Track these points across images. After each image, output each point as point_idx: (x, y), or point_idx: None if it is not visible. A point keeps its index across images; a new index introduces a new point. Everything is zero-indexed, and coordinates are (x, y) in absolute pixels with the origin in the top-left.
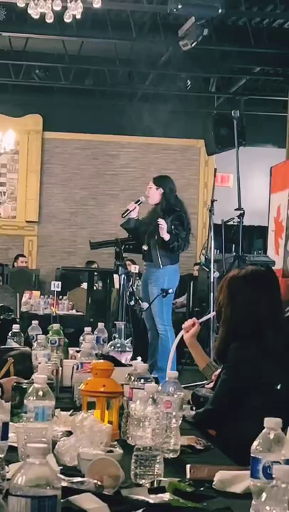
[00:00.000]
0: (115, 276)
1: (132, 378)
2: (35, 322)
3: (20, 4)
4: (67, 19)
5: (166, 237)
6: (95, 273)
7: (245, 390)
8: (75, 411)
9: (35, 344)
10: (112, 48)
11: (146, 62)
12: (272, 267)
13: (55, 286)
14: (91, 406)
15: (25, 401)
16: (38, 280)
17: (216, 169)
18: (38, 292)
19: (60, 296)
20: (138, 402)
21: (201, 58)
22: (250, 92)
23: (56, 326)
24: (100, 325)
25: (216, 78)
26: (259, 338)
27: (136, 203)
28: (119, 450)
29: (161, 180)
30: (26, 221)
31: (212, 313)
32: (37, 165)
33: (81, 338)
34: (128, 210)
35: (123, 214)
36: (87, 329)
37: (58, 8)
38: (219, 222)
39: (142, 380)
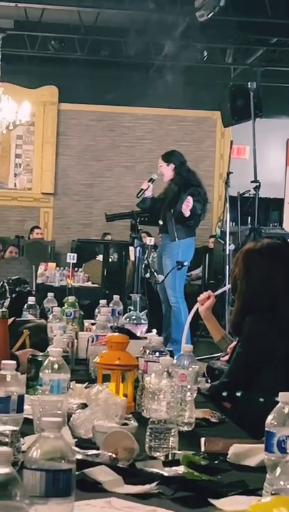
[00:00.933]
0: (131, 248)
1: (147, 351)
2: (50, 294)
3: None
4: None
5: (187, 213)
6: (111, 245)
7: (260, 363)
8: (90, 383)
9: (50, 316)
10: (127, 19)
11: (163, 33)
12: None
13: (71, 258)
14: (106, 379)
15: (40, 374)
16: (53, 252)
17: (232, 141)
18: (54, 264)
19: (76, 268)
20: (153, 375)
21: (217, 29)
22: (266, 63)
23: (72, 299)
24: (116, 297)
25: (233, 49)
26: (274, 311)
27: (149, 181)
28: (134, 423)
29: (170, 156)
30: (42, 193)
31: (227, 286)
32: (53, 136)
33: (96, 310)
34: (142, 189)
35: (138, 194)
36: (103, 302)
37: None
38: (235, 195)
39: (157, 353)
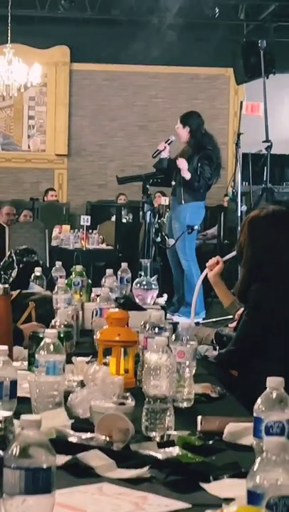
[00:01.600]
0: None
1: (147, 327)
2: (58, 263)
3: None
4: None
5: (188, 175)
6: (123, 208)
7: (266, 331)
8: (94, 356)
9: (56, 288)
10: None
11: None
12: None
13: (85, 220)
14: (107, 353)
15: (36, 355)
16: (68, 214)
17: (241, 102)
18: (68, 226)
19: (90, 231)
20: (150, 352)
21: None
22: (279, 19)
23: (79, 268)
24: (124, 265)
25: (245, 5)
26: (281, 279)
27: (166, 142)
28: (131, 402)
29: (187, 118)
30: (56, 154)
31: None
32: (65, 97)
33: (103, 280)
34: (158, 150)
35: (154, 154)
36: (109, 271)
37: None
38: (250, 152)
39: (157, 329)
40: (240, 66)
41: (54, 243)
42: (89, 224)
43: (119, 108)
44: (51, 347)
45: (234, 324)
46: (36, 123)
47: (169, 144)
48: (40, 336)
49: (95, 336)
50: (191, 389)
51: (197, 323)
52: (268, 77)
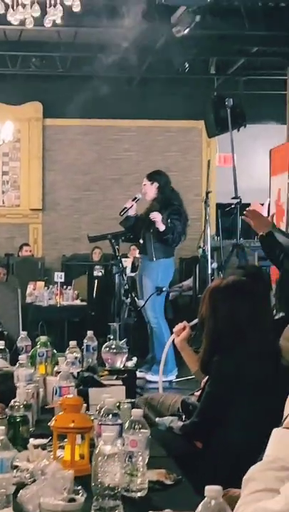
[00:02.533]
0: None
1: (102, 413)
2: (23, 333)
3: (0, 11)
4: (47, 24)
5: (162, 227)
6: (95, 266)
7: (229, 402)
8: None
9: (17, 364)
10: (106, 36)
11: (142, 48)
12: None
13: (59, 277)
14: (63, 437)
15: None
16: (43, 268)
17: (209, 161)
18: (42, 283)
19: (65, 286)
20: (102, 441)
21: (197, 41)
22: (248, 72)
23: (44, 338)
24: (89, 333)
25: (215, 60)
26: (242, 349)
27: (133, 200)
28: (81, 498)
29: (155, 175)
30: (30, 209)
31: None
32: (39, 152)
33: (67, 351)
34: (126, 208)
35: (121, 212)
36: (72, 343)
37: (36, 14)
38: (223, 202)
39: (110, 416)
40: (211, 120)
41: (28, 300)
42: (63, 280)
43: (93, 162)
44: None
45: (199, 393)
46: (10, 178)
47: (136, 202)
48: None
49: (49, 424)
50: (144, 478)
51: (170, 382)
52: (238, 131)
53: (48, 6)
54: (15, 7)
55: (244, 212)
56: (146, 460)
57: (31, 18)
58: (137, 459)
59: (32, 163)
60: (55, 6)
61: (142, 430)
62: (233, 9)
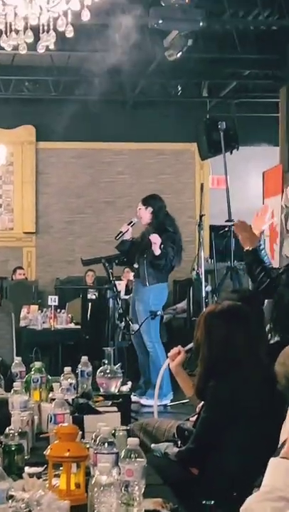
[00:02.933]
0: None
1: (97, 441)
2: (18, 359)
3: None
4: (40, 50)
5: (157, 251)
6: (89, 290)
7: (225, 427)
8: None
9: (12, 390)
10: (99, 59)
11: (135, 72)
12: None
13: (52, 300)
14: (58, 465)
15: None
16: (37, 291)
17: (202, 184)
18: (36, 307)
19: (59, 310)
20: (98, 471)
21: (189, 65)
22: (240, 95)
23: (38, 364)
24: (84, 358)
25: (207, 83)
26: (237, 374)
27: (129, 224)
28: None
29: (149, 200)
30: (24, 232)
31: None
32: (32, 175)
33: (62, 377)
34: (121, 232)
35: (116, 236)
36: (67, 369)
37: (30, 40)
38: (217, 224)
39: (106, 445)
40: (204, 142)
41: (22, 323)
42: (57, 304)
43: (86, 185)
44: None
45: (194, 418)
46: (3, 201)
47: (131, 226)
48: None
49: (44, 452)
50: (140, 507)
51: (165, 406)
52: (231, 153)
53: (41, 31)
54: (8, 33)
55: (234, 223)
56: (143, 489)
57: (24, 43)
58: (133, 488)
59: (25, 187)
60: (48, 32)
61: (138, 459)
62: (225, 33)
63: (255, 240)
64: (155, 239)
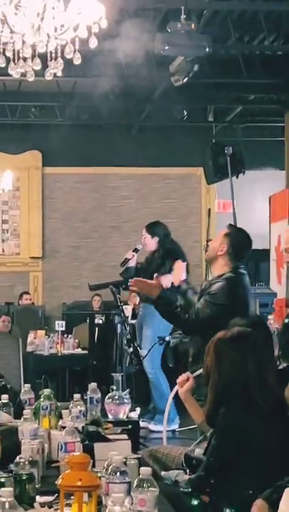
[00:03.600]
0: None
1: (109, 470)
2: (27, 386)
3: (1, 64)
4: (48, 77)
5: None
6: (96, 315)
7: (236, 454)
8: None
9: (22, 418)
10: (105, 85)
11: (141, 97)
12: (275, 298)
13: (59, 326)
14: (69, 494)
15: None
16: (44, 316)
17: (209, 209)
18: (43, 332)
19: (66, 335)
20: (111, 502)
21: (195, 90)
22: (246, 119)
23: (47, 391)
24: (93, 385)
25: (213, 107)
26: (247, 400)
27: (133, 251)
28: None
29: (154, 228)
30: (30, 257)
31: None
32: (38, 200)
33: (70, 404)
34: (126, 259)
35: (121, 263)
36: (76, 396)
37: (37, 67)
38: None
39: (118, 474)
40: (210, 167)
41: (29, 349)
42: (64, 329)
43: (92, 209)
44: (6, 505)
45: (205, 444)
46: (10, 226)
47: (136, 253)
48: (1, 480)
49: (55, 482)
50: None
51: (173, 431)
52: (237, 177)
53: (48, 59)
54: (16, 60)
55: (129, 284)
56: None
57: (32, 71)
58: None
59: (31, 212)
60: (55, 59)
61: (150, 489)
62: (230, 58)
63: (156, 288)
64: (166, 281)
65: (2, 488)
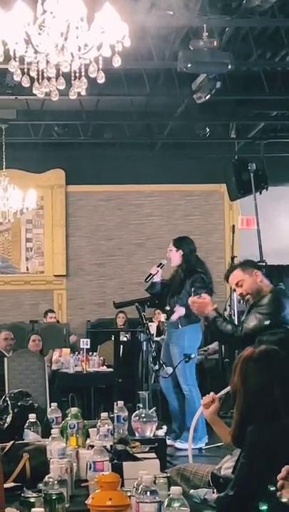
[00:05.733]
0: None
1: (139, 490)
2: (54, 405)
3: (25, 84)
4: (72, 96)
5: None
6: (120, 333)
7: (264, 472)
8: None
9: (50, 438)
10: (128, 103)
11: (164, 114)
12: None
13: (84, 343)
14: None
15: None
16: (68, 334)
17: (234, 226)
18: (68, 350)
19: (90, 352)
20: None
21: (217, 107)
22: (268, 135)
23: (74, 410)
24: (120, 403)
25: (235, 124)
26: (274, 418)
27: (158, 266)
28: None
29: (180, 242)
30: (54, 275)
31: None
32: (62, 219)
33: (98, 423)
34: (151, 274)
35: (146, 279)
36: (104, 415)
37: (62, 87)
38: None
39: (149, 493)
40: (233, 183)
41: (54, 367)
42: (88, 347)
43: (116, 227)
44: None
45: (233, 462)
46: (34, 245)
47: (161, 268)
48: (31, 500)
49: (86, 502)
50: None
51: (200, 449)
52: (260, 193)
53: (72, 78)
54: (40, 80)
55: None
56: None
57: (56, 90)
58: None
59: (55, 230)
60: (79, 78)
61: (181, 508)
62: (252, 74)
63: (209, 305)
64: (179, 311)
65: (33, 509)
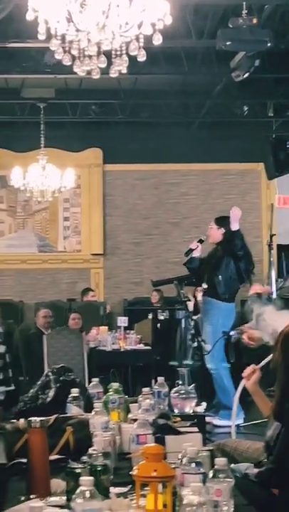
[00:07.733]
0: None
1: (184, 461)
2: (95, 380)
3: (66, 63)
4: (113, 74)
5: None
6: (158, 311)
7: None
8: (133, 486)
9: (93, 411)
10: (165, 82)
11: (201, 93)
12: None
13: (122, 321)
14: (144, 485)
15: (72, 504)
16: (105, 313)
17: (272, 204)
18: (106, 328)
19: (128, 331)
20: (187, 491)
21: (255, 85)
22: None
23: (115, 385)
24: (160, 379)
25: (273, 102)
26: None
27: (198, 241)
28: None
29: (222, 221)
30: (91, 254)
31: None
32: (99, 198)
33: (140, 397)
34: (191, 249)
35: (186, 253)
36: (145, 390)
37: (103, 65)
38: (283, 243)
39: (193, 464)
40: (271, 162)
41: (92, 345)
42: (126, 325)
43: (153, 206)
44: (87, 494)
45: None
46: (71, 224)
47: (200, 243)
48: (77, 471)
49: (131, 473)
50: None
51: (238, 426)
52: None
53: (113, 56)
54: (81, 58)
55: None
56: (232, 509)
57: (97, 68)
58: (221, 508)
59: (92, 209)
60: (120, 57)
61: (226, 479)
62: None
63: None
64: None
65: (82, 477)
